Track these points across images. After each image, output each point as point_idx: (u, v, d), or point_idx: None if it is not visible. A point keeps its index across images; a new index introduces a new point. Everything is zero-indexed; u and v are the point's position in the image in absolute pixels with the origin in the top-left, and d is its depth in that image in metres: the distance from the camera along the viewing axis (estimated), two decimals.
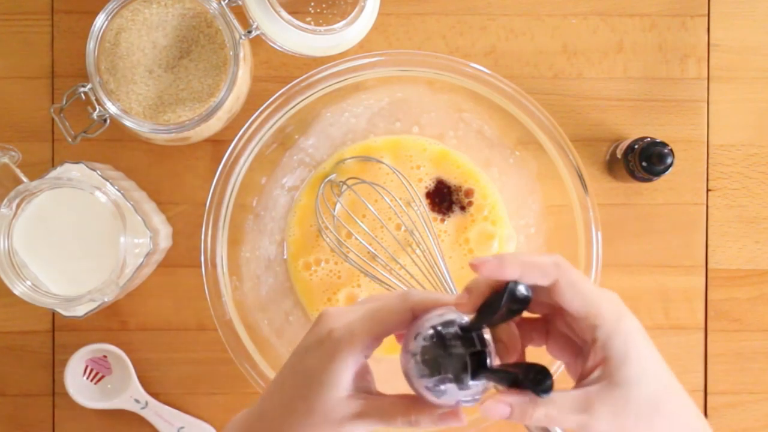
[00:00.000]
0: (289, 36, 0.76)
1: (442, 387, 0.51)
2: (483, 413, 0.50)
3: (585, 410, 0.49)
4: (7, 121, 0.83)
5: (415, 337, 0.52)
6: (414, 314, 0.53)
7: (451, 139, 0.82)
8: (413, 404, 0.53)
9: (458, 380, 0.50)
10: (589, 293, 0.50)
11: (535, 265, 0.50)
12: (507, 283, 0.49)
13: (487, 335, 0.51)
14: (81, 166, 0.75)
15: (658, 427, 0.50)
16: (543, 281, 0.50)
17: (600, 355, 0.50)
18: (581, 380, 0.52)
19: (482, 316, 0.50)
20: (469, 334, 0.51)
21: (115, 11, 0.74)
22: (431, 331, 0.51)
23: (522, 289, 0.49)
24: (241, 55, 0.75)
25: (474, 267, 0.51)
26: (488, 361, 0.50)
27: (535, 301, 0.51)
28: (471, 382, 0.50)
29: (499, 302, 0.48)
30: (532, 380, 0.48)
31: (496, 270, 0.50)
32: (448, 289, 0.72)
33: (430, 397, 0.52)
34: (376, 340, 0.54)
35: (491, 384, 0.51)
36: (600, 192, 0.84)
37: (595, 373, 0.51)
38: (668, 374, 0.52)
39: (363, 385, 0.56)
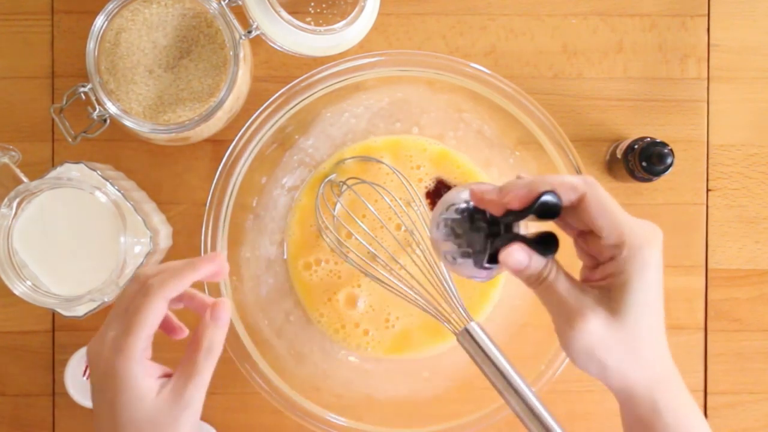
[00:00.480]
0: (289, 36, 0.76)
1: (460, 260, 0.54)
2: (502, 259, 0.53)
3: (578, 303, 0.53)
4: (7, 121, 0.83)
5: (448, 208, 0.55)
6: None
7: (451, 140, 0.82)
8: (194, 343, 0.58)
9: (476, 256, 0.54)
10: (617, 213, 0.52)
11: (563, 182, 0.52)
12: (540, 193, 0.51)
13: (516, 227, 0.54)
14: (81, 166, 0.75)
15: (632, 362, 0.53)
16: (572, 195, 0.52)
17: (611, 270, 0.52)
18: (587, 280, 0.55)
19: (510, 216, 0.53)
20: (496, 220, 0.54)
21: (115, 11, 0.74)
22: (464, 205, 0.54)
23: (552, 200, 0.51)
24: (241, 55, 0.75)
25: (487, 202, 0.53)
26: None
27: (564, 222, 0.54)
28: (486, 264, 0.53)
29: (529, 211, 0.51)
30: (539, 242, 0.51)
31: (526, 197, 0.52)
32: (448, 289, 0.72)
33: (447, 263, 0.55)
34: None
35: (503, 270, 0.54)
36: None
37: (600, 282, 0.53)
38: (660, 313, 0.54)
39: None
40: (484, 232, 0.54)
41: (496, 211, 0.54)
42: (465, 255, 0.54)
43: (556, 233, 0.53)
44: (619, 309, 0.52)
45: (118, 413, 0.55)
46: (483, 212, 0.55)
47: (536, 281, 0.54)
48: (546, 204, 0.51)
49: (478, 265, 0.54)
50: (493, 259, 0.54)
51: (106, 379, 0.55)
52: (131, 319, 0.55)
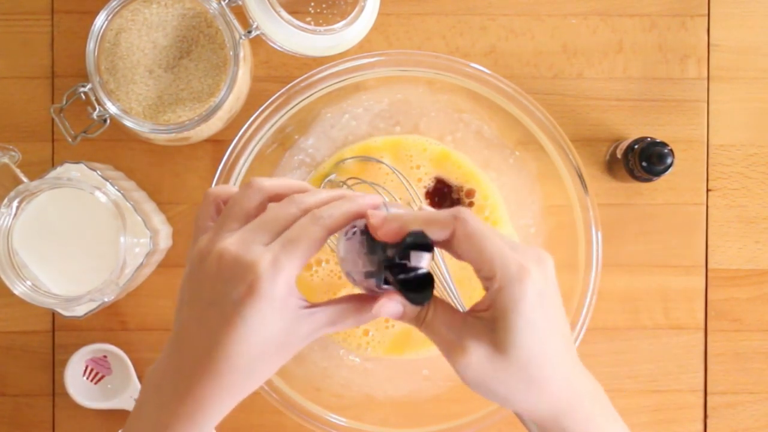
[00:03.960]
0: (289, 36, 0.76)
1: (359, 279, 0.54)
2: (375, 313, 0.52)
3: (459, 337, 0.51)
4: (7, 121, 0.83)
5: (348, 230, 0.54)
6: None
7: (451, 140, 0.82)
8: (363, 303, 0.54)
9: (376, 276, 0.53)
10: (487, 246, 0.50)
11: (433, 220, 0.51)
12: (408, 232, 0.51)
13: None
14: (81, 166, 0.75)
15: (526, 392, 0.52)
16: (442, 233, 0.51)
17: (488, 302, 0.51)
18: (472, 310, 0.53)
19: (390, 247, 0.53)
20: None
21: (115, 11, 0.74)
22: (362, 228, 0.54)
23: (419, 240, 0.51)
24: (241, 55, 0.75)
25: (372, 228, 0.52)
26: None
27: (446, 248, 0.53)
28: (384, 285, 0.53)
29: (401, 246, 0.51)
30: (412, 286, 0.51)
31: (397, 234, 0.51)
32: (448, 289, 0.72)
33: (350, 281, 0.55)
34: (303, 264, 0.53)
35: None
36: (600, 192, 0.84)
37: (483, 313, 0.52)
38: (552, 343, 0.52)
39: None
40: (380, 256, 0.53)
41: (378, 238, 0.53)
42: (368, 275, 0.54)
43: (432, 274, 0.52)
44: (501, 341, 0.50)
45: (250, 326, 0.50)
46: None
47: (416, 322, 0.53)
48: (413, 243, 0.51)
49: (378, 286, 0.53)
50: (388, 282, 0.53)
51: (249, 293, 0.50)
52: (297, 242, 0.51)
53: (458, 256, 0.52)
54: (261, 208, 0.54)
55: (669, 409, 0.85)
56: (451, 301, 0.70)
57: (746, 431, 0.85)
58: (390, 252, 0.52)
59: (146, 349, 0.83)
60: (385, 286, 0.53)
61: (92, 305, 0.75)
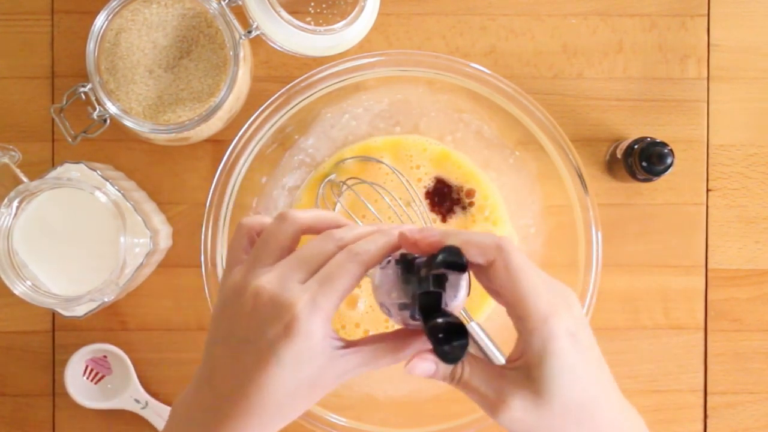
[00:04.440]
0: (289, 36, 0.76)
1: (394, 311, 0.52)
2: (408, 371, 0.51)
3: (498, 392, 0.50)
4: (7, 121, 0.83)
5: (387, 258, 0.53)
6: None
7: (451, 140, 0.82)
8: (398, 342, 0.53)
9: (411, 309, 0.51)
10: (523, 283, 0.49)
11: (475, 244, 0.50)
12: (444, 246, 0.49)
13: (458, 279, 0.51)
14: (81, 166, 0.75)
15: (575, 429, 0.50)
16: (480, 260, 0.50)
17: (521, 347, 0.50)
18: (508, 362, 0.52)
19: (424, 267, 0.51)
20: (428, 273, 0.51)
21: (115, 11, 0.74)
22: (398, 258, 0.52)
23: (453, 258, 0.48)
24: (241, 55, 0.75)
25: (409, 242, 0.51)
26: (441, 303, 0.50)
27: (479, 276, 0.51)
28: (417, 316, 0.51)
29: (433, 260, 0.49)
30: (442, 342, 0.48)
31: (435, 244, 0.50)
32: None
33: (385, 313, 0.53)
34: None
35: None
36: (600, 192, 0.84)
37: (518, 362, 0.50)
38: (597, 384, 0.51)
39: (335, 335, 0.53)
40: (414, 284, 0.52)
41: (412, 249, 0.52)
42: (401, 307, 0.52)
43: (466, 328, 0.49)
44: (540, 389, 0.49)
45: (284, 367, 0.50)
46: (413, 266, 0.53)
47: (451, 380, 0.52)
48: (447, 259, 0.49)
49: (412, 317, 0.52)
50: (422, 315, 0.51)
51: (286, 333, 0.49)
52: (334, 280, 0.50)
53: (490, 289, 0.51)
54: (295, 241, 0.54)
55: (669, 409, 0.85)
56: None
57: (746, 431, 0.85)
58: (423, 270, 0.50)
59: (146, 349, 0.83)
60: (418, 318, 0.51)
61: (92, 305, 0.75)
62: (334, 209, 0.80)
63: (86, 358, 0.83)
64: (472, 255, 0.50)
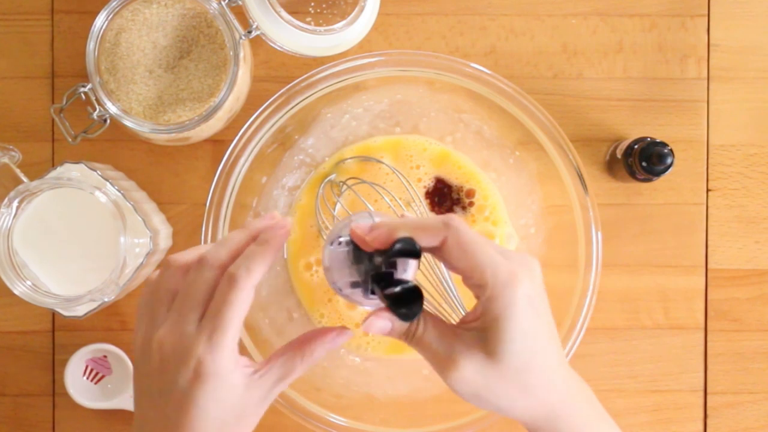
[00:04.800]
0: (289, 36, 0.76)
1: (347, 290, 0.54)
2: (364, 329, 0.53)
3: (449, 351, 0.52)
4: (7, 121, 0.83)
5: (333, 240, 0.55)
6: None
7: (451, 140, 0.82)
8: (305, 344, 0.55)
9: (363, 286, 0.53)
10: (478, 254, 0.51)
11: (424, 228, 0.52)
12: (396, 239, 0.51)
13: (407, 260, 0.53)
14: (81, 166, 0.75)
15: (521, 399, 0.52)
16: (432, 240, 0.51)
17: (479, 310, 0.52)
18: (462, 322, 0.54)
19: (378, 255, 0.53)
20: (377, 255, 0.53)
21: (115, 11, 0.74)
22: (349, 238, 0.54)
23: (408, 247, 0.50)
24: (241, 55, 0.75)
25: (358, 239, 0.53)
26: (394, 279, 0.52)
27: (434, 253, 0.53)
28: (370, 295, 0.53)
29: (388, 254, 0.51)
30: (399, 304, 0.50)
31: (386, 240, 0.52)
32: (448, 289, 0.72)
33: (337, 292, 0.55)
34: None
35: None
36: (600, 192, 0.84)
37: (474, 324, 0.52)
38: (545, 351, 0.52)
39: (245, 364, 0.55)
40: (366, 266, 0.53)
41: (366, 248, 0.53)
42: (353, 285, 0.54)
43: (419, 288, 0.51)
44: (493, 349, 0.51)
45: (204, 409, 0.52)
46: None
47: (406, 337, 0.54)
48: (402, 250, 0.50)
49: (365, 295, 0.54)
50: (373, 290, 0.53)
51: (196, 378, 0.51)
52: (223, 314, 0.52)
53: (449, 264, 0.52)
54: (180, 284, 0.55)
55: (669, 409, 0.85)
56: (451, 301, 0.70)
57: (746, 431, 0.85)
58: (377, 260, 0.52)
59: None
60: (372, 296, 0.53)
61: (92, 305, 0.75)
62: (334, 209, 0.80)
63: (86, 358, 0.83)
64: (423, 241, 0.51)
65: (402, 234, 0.51)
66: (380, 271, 0.52)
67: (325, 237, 0.79)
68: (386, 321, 0.53)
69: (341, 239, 0.54)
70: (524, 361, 0.51)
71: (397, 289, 0.51)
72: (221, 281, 0.53)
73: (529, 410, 0.53)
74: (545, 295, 0.53)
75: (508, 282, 0.50)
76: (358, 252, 0.54)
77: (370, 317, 0.53)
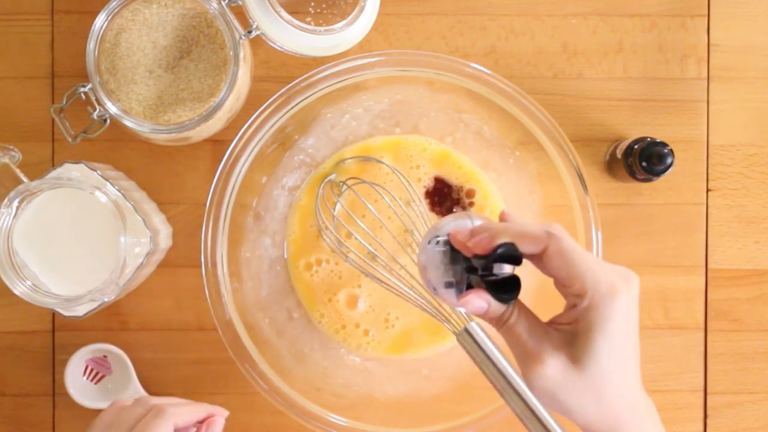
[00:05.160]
0: (289, 36, 0.76)
1: (442, 289, 0.56)
2: (461, 304, 0.54)
3: (538, 346, 0.53)
4: (7, 121, 0.83)
5: (432, 239, 0.56)
6: None
7: (451, 141, 0.82)
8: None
9: (457, 287, 0.55)
10: (580, 264, 0.52)
11: (526, 236, 0.53)
12: (498, 245, 0.52)
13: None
14: (81, 166, 0.75)
15: (593, 407, 0.53)
16: (534, 247, 0.53)
17: (575, 316, 0.53)
18: (553, 322, 0.55)
19: (479, 259, 0.54)
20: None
21: (115, 11, 0.74)
22: (446, 239, 0.56)
23: (510, 252, 0.52)
24: (241, 55, 0.75)
25: (459, 245, 0.54)
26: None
27: (532, 260, 0.54)
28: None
29: (490, 259, 0.52)
30: (501, 286, 0.52)
31: (488, 246, 0.53)
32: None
33: (430, 291, 0.57)
34: None
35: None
36: (600, 192, 0.84)
37: (565, 326, 0.53)
38: (630, 361, 0.54)
39: None
40: (462, 265, 0.55)
41: (466, 253, 0.55)
42: (447, 285, 0.56)
43: (520, 277, 0.53)
44: (580, 356, 0.52)
45: None
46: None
47: (498, 323, 0.55)
48: (504, 255, 0.52)
49: (459, 296, 0.55)
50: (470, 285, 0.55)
51: None
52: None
53: (545, 270, 0.53)
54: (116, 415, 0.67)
55: (669, 409, 0.85)
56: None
57: (746, 431, 0.85)
58: (476, 263, 0.54)
59: (146, 349, 0.83)
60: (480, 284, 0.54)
61: (92, 305, 0.75)
62: (334, 209, 0.80)
63: (86, 358, 0.83)
64: (525, 248, 0.53)
65: (504, 240, 0.52)
66: (478, 274, 0.53)
67: (325, 237, 0.79)
68: (483, 301, 0.54)
69: (439, 239, 0.56)
70: (607, 373, 0.52)
71: (498, 277, 0.53)
72: (148, 413, 0.64)
73: (597, 421, 0.53)
74: (638, 311, 0.54)
75: (608, 294, 0.52)
76: (454, 252, 0.55)
77: (469, 294, 0.54)
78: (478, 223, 0.56)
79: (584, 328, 0.52)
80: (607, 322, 0.51)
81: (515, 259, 0.52)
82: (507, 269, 0.54)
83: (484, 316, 0.55)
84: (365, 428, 0.76)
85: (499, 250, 0.51)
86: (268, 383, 0.75)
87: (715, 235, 0.85)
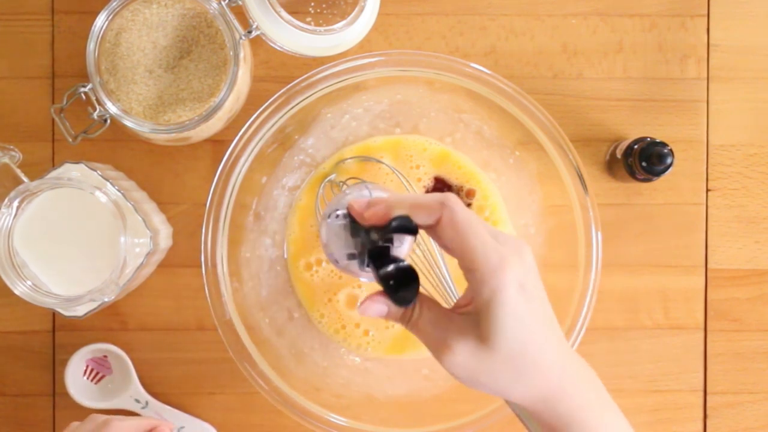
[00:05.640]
0: (289, 36, 0.76)
1: (344, 261, 0.56)
2: (360, 312, 0.54)
3: (444, 336, 0.52)
4: (7, 121, 0.83)
5: (331, 213, 0.56)
6: None
7: (451, 140, 0.82)
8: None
9: (359, 258, 0.55)
10: (470, 236, 0.51)
11: (420, 206, 0.52)
12: (393, 217, 0.52)
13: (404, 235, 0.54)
14: (81, 166, 0.75)
15: (516, 381, 0.52)
16: (428, 218, 0.52)
17: (470, 294, 0.52)
18: (456, 307, 0.54)
19: (374, 231, 0.54)
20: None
21: (115, 11, 0.74)
22: (346, 211, 0.56)
23: (404, 224, 0.52)
24: (241, 55, 0.75)
25: (357, 214, 0.54)
26: (390, 254, 0.53)
27: (430, 233, 0.54)
28: (366, 267, 0.54)
29: (386, 230, 0.52)
30: (395, 288, 0.52)
31: (384, 217, 0.52)
32: (448, 288, 0.72)
33: (333, 264, 0.57)
34: None
35: None
36: (600, 192, 0.84)
37: (467, 308, 0.53)
38: (540, 333, 0.52)
39: None
40: (362, 238, 0.55)
41: (364, 222, 0.54)
42: (350, 257, 0.56)
43: (415, 271, 0.52)
44: (486, 335, 0.51)
45: None
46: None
47: (402, 320, 0.54)
48: (399, 227, 0.52)
49: (361, 267, 0.55)
50: (371, 264, 0.54)
51: None
52: None
53: (442, 244, 0.53)
54: None
55: (669, 409, 0.85)
56: (451, 301, 0.70)
57: (746, 431, 0.85)
58: (374, 235, 0.53)
59: (146, 349, 0.83)
60: (368, 269, 0.54)
61: (92, 305, 0.75)
62: None
63: (86, 358, 0.83)
64: (420, 219, 0.52)
65: (399, 212, 0.52)
66: (377, 245, 0.53)
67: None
68: (382, 305, 0.54)
69: (338, 212, 0.56)
70: (517, 345, 0.51)
71: (392, 268, 0.52)
72: (95, 428, 0.67)
73: (526, 393, 0.53)
74: (538, 279, 0.53)
75: (498, 266, 0.50)
76: (355, 225, 0.55)
77: (366, 301, 0.54)
78: (376, 194, 0.56)
79: (482, 305, 0.51)
80: (501, 293, 0.50)
81: (410, 230, 0.52)
82: (407, 243, 0.54)
83: (386, 317, 0.54)
84: (365, 428, 0.76)
85: (394, 222, 0.51)
86: (268, 383, 0.75)
87: (715, 235, 0.85)
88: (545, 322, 0.53)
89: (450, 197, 0.52)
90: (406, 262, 0.52)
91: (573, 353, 0.55)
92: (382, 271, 0.52)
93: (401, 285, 0.52)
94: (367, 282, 0.56)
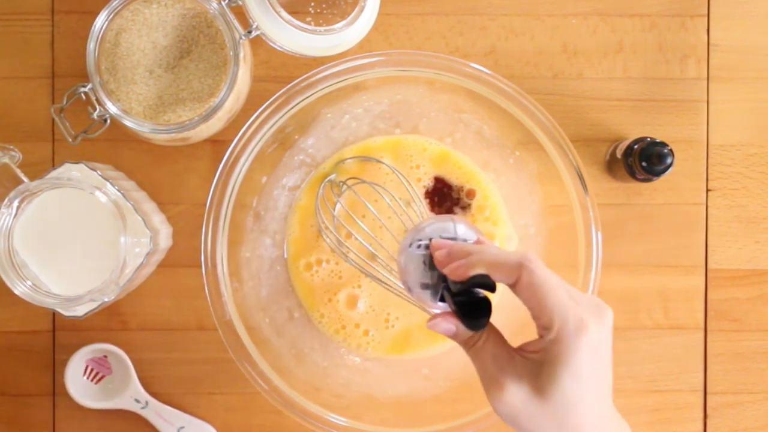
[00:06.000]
0: (289, 36, 0.76)
1: (417, 290, 0.57)
2: (429, 327, 0.55)
3: (501, 372, 0.53)
4: (7, 121, 0.83)
5: (413, 242, 0.57)
6: None
7: (451, 140, 0.82)
8: None
9: (432, 289, 0.56)
10: (548, 297, 0.52)
11: (500, 266, 0.53)
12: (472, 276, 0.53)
13: None
14: (81, 166, 0.75)
15: (562, 428, 0.53)
16: (507, 280, 0.53)
17: (542, 346, 0.53)
18: (521, 348, 0.55)
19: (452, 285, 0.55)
20: None
21: (115, 11, 0.74)
22: (427, 242, 0.57)
23: (483, 282, 0.53)
24: (241, 55, 0.75)
25: (438, 263, 0.55)
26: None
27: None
28: (439, 301, 0.56)
29: (464, 286, 0.53)
30: (467, 314, 0.53)
31: (464, 274, 0.53)
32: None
33: (411, 292, 0.58)
34: None
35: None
36: (600, 192, 0.84)
37: (532, 354, 0.53)
38: (593, 396, 0.53)
39: None
40: (439, 272, 0.56)
41: (443, 272, 0.55)
42: (423, 287, 0.56)
43: (490, 302, 0.54)
44: (543, 387, 0.52)
45: None
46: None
47: (466, 344, 0.55)
48: (478, 285, 0.53)
49: (434, 299, 0.56)
50: (444, 299, 0.56)
51: None
52: None
53: (520, 298, 0.54)
54: None
55: (669, 409, 0.85)
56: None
57: (746, 431, 0.85)
58: (452, 286, 0.54)
59: (146, 349, 0.83)
60: (441, 303, 0.55)
61: (92, 305, 0.75)
62: (334, 209, 0.80)
63: (86, 358, 0.83)
64: (498, 278, 0.53)
65: (478, 270, 0.53)
66: (460, 298, 0.54)
67: (325, 237, 0.79)
68: (452, 325, 0.55)
69: (420, 242, 0.57)
70: (570, 402, 0.52)
71: (468, 298, 0.53)
72: None
73: None
74: (610, 341, 0.54)
75: (575, 330, 0.51)
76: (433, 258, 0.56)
77: (437, 317, 0.55)
78: (460, 227, 0.57)
79: (550, 360, 0.52)
80: (573, 357, 0.51)
81: (488, 287, 0.53)
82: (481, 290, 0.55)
83: (453, 337, 0.55)
84: (365, 428, 0.76)
85: (475, 280, 0.53)
86: (268, 383, 0.75)
87: (715, 235, 0.85)
88: (603, 386, 0.53)
89: (529, 257, 0.52)
90: (481, 294, 0.54)
91: (615, 412, 0.56)
92: (458, 299, 0.53)
93: (475, 311, 0.53)
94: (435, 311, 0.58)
